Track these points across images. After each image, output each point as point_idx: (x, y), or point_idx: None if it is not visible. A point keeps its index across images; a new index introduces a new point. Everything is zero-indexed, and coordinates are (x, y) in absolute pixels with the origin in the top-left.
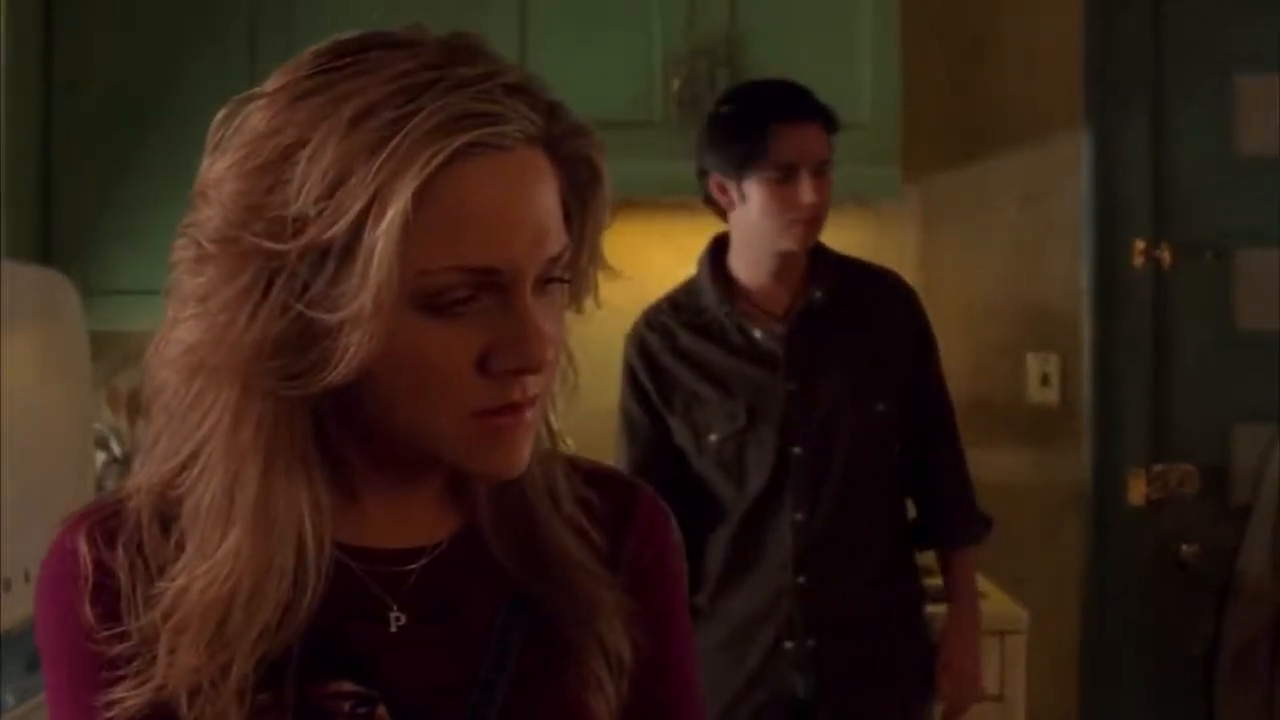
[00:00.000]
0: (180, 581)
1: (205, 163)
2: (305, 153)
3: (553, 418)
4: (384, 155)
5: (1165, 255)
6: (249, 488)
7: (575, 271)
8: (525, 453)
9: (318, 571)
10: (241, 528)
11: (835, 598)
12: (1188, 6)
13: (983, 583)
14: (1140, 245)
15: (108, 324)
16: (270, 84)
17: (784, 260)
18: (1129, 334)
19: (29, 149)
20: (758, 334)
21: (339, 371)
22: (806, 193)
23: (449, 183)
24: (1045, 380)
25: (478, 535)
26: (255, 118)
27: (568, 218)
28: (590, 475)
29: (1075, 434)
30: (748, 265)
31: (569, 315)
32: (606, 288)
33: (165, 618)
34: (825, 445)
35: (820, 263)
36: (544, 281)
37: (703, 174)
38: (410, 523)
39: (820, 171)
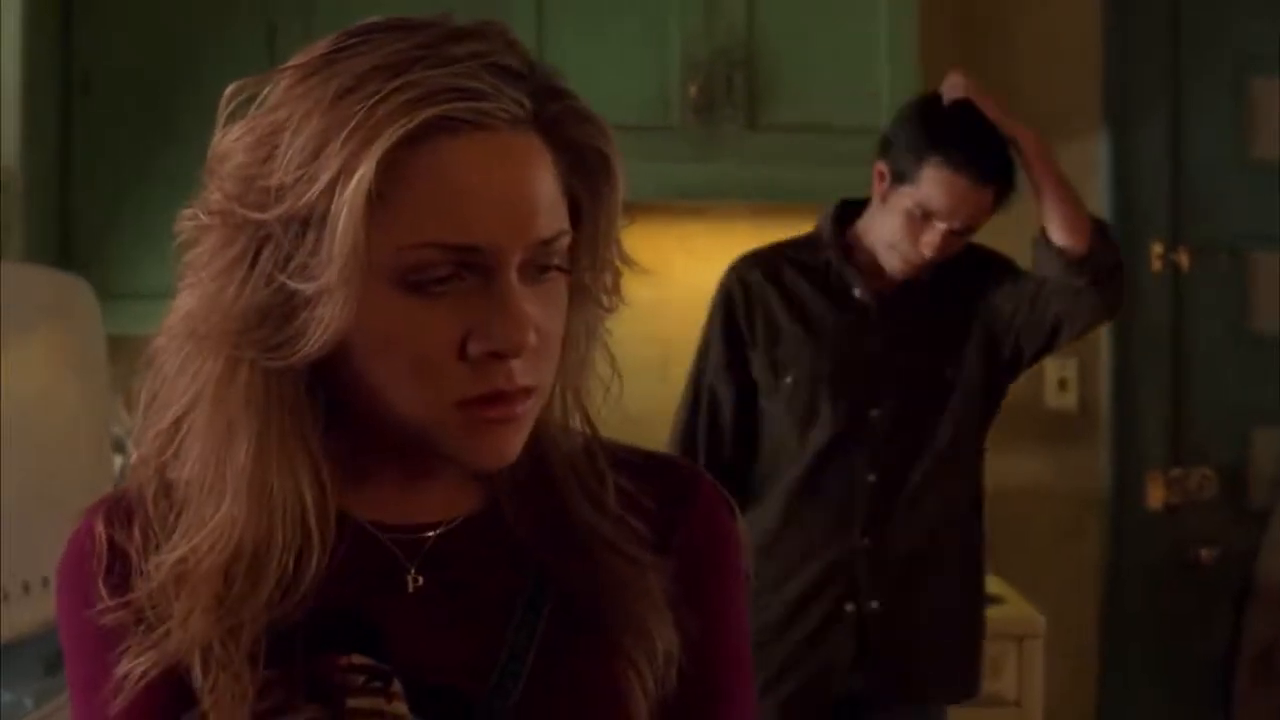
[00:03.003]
0: (181, 550)
1: (215, 138)
2: (291, 125)
3: (588, 408)
4: (353, 125)
5: (1182, 258)
6: (237, 456)
7: (591, 263)
8: (514, 445)
9: (323, 542)
10: (234, 497)
11: (900, 558)
12: (1205, 11)
13: (1001, 586)
14: (1158, 249)
15: (125, 327)
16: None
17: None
18: (1146, 338)
19: (47, 153)
20: (857, 291)
21: (313, 343)
22: (929, 244)
23: (428, 158)
24: (1063, 385)
25: (500, 512)
26: (265, 97)
27: (577, 208)
28: (641, 467)
29: (1093, 438)
30: (870, 242)
31: (608, 317)
32: (626, 289)
33: (173, 584)
34: (904, 411)
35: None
36: (539, 268)
37: (885, 144)
38: (430, 503)
39: (961, 232)
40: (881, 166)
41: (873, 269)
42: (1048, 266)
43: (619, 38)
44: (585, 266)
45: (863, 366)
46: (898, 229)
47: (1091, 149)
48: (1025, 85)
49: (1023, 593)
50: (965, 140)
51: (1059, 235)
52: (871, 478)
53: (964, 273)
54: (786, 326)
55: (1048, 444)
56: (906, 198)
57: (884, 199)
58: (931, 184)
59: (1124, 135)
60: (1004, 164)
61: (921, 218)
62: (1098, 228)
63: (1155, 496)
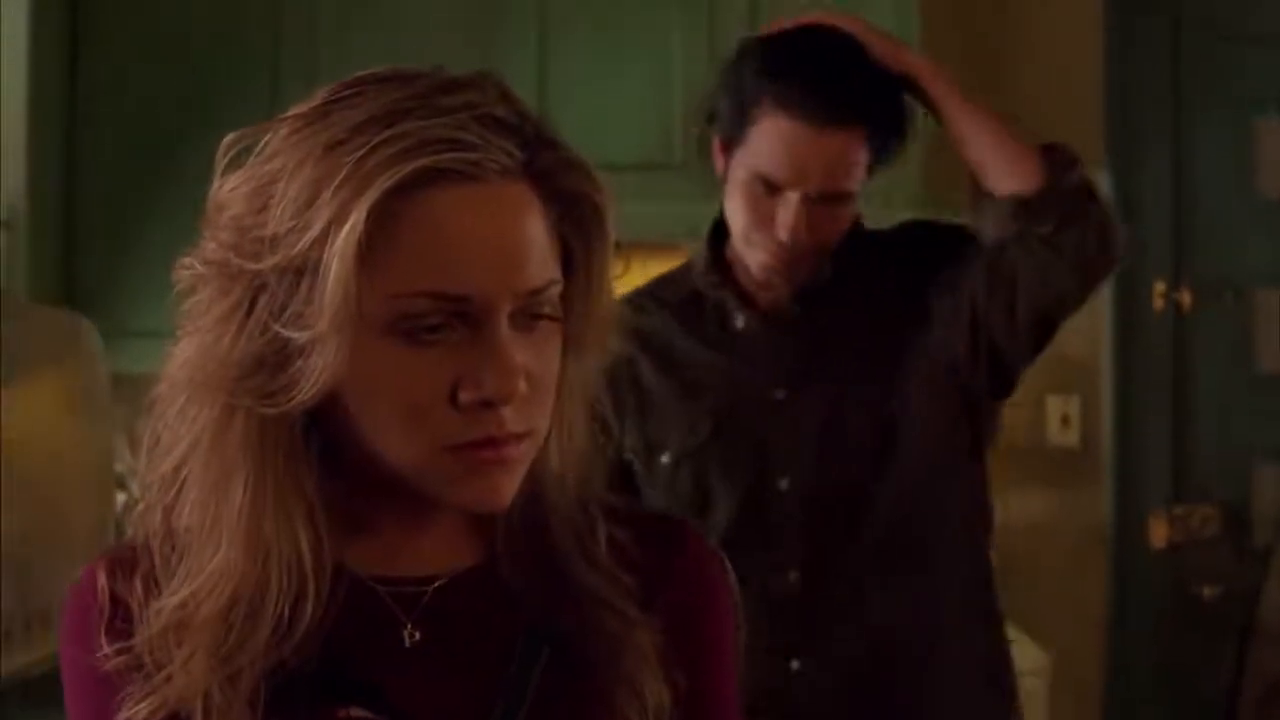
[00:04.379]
0: (180, 595)
1: (213, 188)
2: (285, 175)
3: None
4: (344, 175)
5: (1185, 297)
6: (233, 502)
7: (583, 311)
8: (507, 489)
9: (318, 589)
10: (230, 542)
11: (855, 684)
12: (1207, 48)
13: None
14: (1160, 287)
15: (129, 365)
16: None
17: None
18: (1149, 376)
19: (51, 191)
20: (740, 321)
21: (307, 391)
22: (785, 224)
23: (419, 208)
24: (1066, 422)
25: (496, 567)
26: (263, 146)
27: (570, 257)
28: (630, 518)
29: (1096, 476)
30: (736, 247)
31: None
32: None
33: (173, 630)
34: (826, 474)
35: (848, 236)
36: (531, 317)
37: (712, 110)
38: (426, 554)
39: (826, 199)
40: (717, 142)
41: (757, 288)
42: (997, 225)
43: (622, 78)
44: (578, 315)
45: (757, 420)
46: (743, 212)
47: None
48: (1028, 123)
49: (1026, 631)
50: (800, 71)
51: (998, 179)
52: (793, 575)
53: (889, 261)
54: (656, 387)
55: (1050, 482)
56: (740, 167)
57: (724, 179)
58: (761, 137)
59: (1126, 174)
60: (865, 97)
61: (765, 189)
62: (1046, 152)
63: (1158, 534)
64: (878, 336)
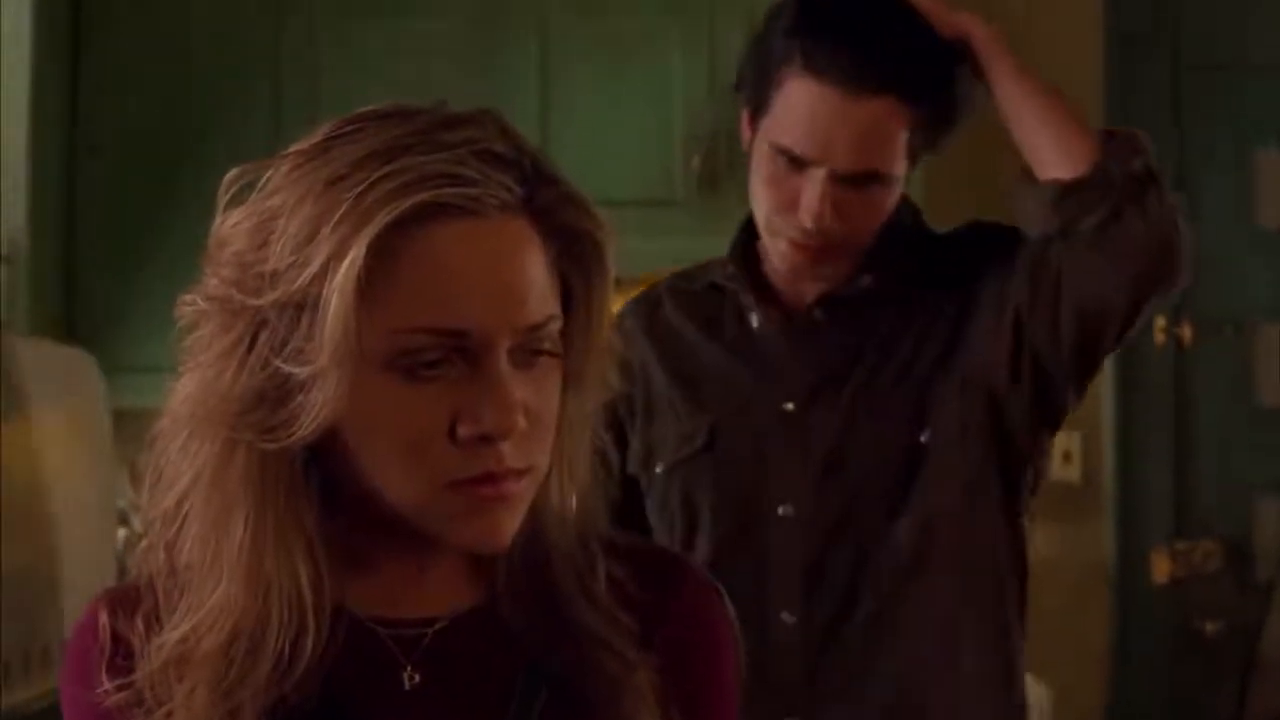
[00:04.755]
0: (181, 630)
1: (215, 224)
2: (286, 211)
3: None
4: (343, 211)
5: (1186, 331)
6: (234, 537)
7: (583, 347)
8: (507, 527)
9: (318, 625)
10: (231, 579)
11: None
12: (1208, 81)
13: None
14: (1160, 321)
15: (131, 400)
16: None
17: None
18: (1150, 411)
19: (53, 225)
20: (756, 320)
21: (307, 426)
22: (810, 206)
23: (418, 243)
24: (1067, 457)
25: (496, 607)
26: (265, 181)
27: (570, 293)
28: (629, 553)
29: (1097, 511)
30: (763, 235)
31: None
32: None
33: (174, 665)
34: (837, 505)
35: (889, 237)
36: (531, 353)
37: (741, 75)
38: (428, 594)
39: (856, 178)
40: (745, 112)
41: (784, 285)
42: (1037, 216)
43: (623, 113)
44: (577, 351)
45: (761, 434)
46: (765, 192)
47: None
48: None
49: (1028, 666)
50: (832, 27)
51: (1048, 162)
52: (788, 618)
53: (939, 267)
54: (662, 388)
55: (1051, 517)
56: (764, 140)
57: (749, 151)
58: (785, 103)
59: None
60: (905, 61)
61: (789, 166)
62: (1107, 136)
63: (1160, 569)
64: (912, 354)
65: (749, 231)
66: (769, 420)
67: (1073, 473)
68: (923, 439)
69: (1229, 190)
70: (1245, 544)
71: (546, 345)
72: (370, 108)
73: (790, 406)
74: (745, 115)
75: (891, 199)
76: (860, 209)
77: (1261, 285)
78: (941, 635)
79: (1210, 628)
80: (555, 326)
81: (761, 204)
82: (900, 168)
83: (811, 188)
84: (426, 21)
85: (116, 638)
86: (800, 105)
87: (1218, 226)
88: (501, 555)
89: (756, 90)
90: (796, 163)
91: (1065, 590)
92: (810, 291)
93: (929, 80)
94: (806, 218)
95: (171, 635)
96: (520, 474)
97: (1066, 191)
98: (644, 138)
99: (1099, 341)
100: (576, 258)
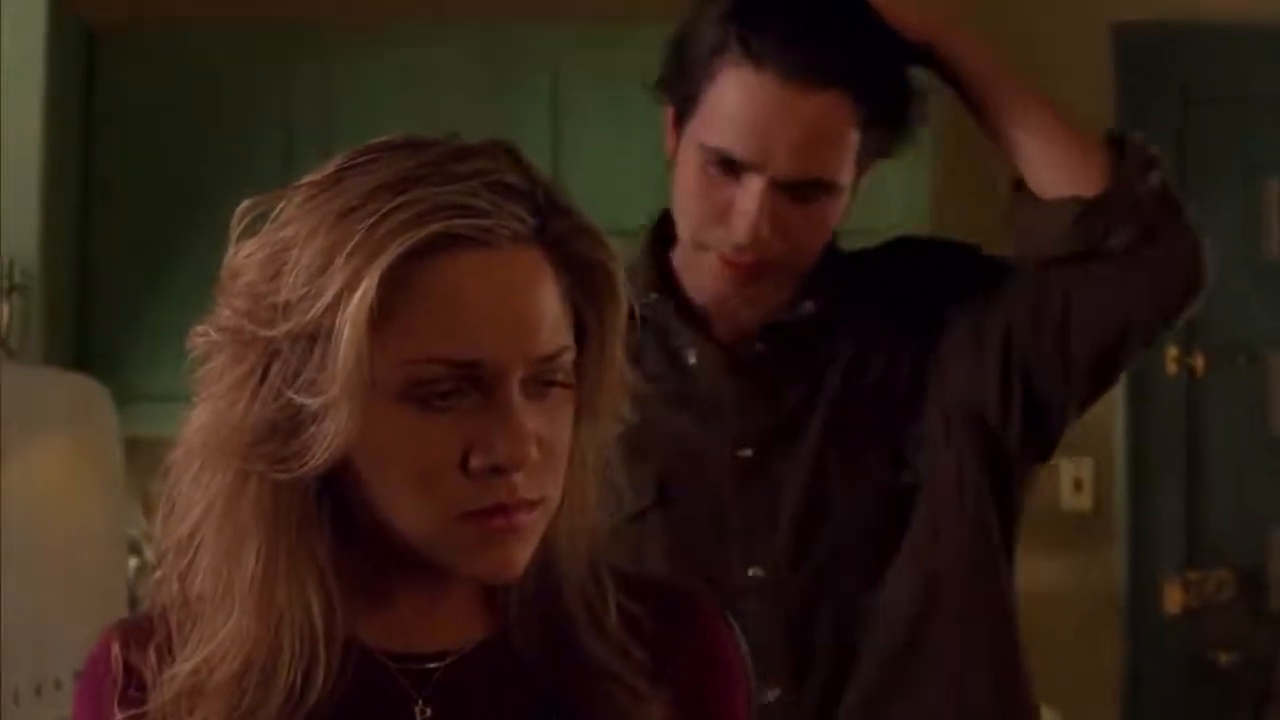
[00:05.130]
0: (194, 661)
1: (228, 255)
2: (299, 242)
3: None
4: (356, 242)
5: (1198, 361)
6: (246, 568)
7: (596, 378)
8: (519, 558)
9: (329, 657)
10: (243, 610)
11: None
12: (1214, 112)
13: None
14: (1173, 351)
15: (142, 429)
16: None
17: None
18: (1162, 439)
19: (66, 255)
20: (692, 359)
21: (319, 457)
22: (744, 215)
23: (430, 274)
24: (1079, 486)
25: (508, 639)
26: (279, 213)
27: (583, 324)
28: (640, 586)
29: (1109, 541)
30: (684, 256)
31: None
32: None
33: (186, 696)
34: (815, 561)
35: (826, 257)
36: (543, 384)
37: (664, 73)
38: (440, 626)
39: (798, 185)
40: (669, 111)
41: (714, 311)
42: (1051, 237)
43: (635, 144)
44: (590, 382)
45: (717, 486)
46: (694, 203)
47: None
48: None
49: (1040, 697)
50: (777, 12)
51: (1051, 177)
52: (772, 695)
53: (881, 288)
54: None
55: (1063, 546)
56: (692, 142)
57: (674, 156)
58: (720, 97)
59: None
60: (858, 53)
61: (722, 171)
62: (1114, 146)
63: (1172, 600)
64: (877, 389)
65: (659, 249)
66: (723, 470)
67: (1084, 501)
68: (908, 480)
69: (1237, 221)
70: (1259, 574)
71: (559, 376)
72: (383, 139)
73: (747, 453)
74: (668, 116)
75: (838, 212)
76: (803, 224)
77: (1270, 316)
78: (951, 696)
79: (1224, 658)
80: (568, 358)
81: (689, 216)
82: (848, 176)
83: (748, 196)
84: (438, 54)
85: (129, 669)
86: (736, 100)
87: (1227, 257)
88: (514, 587)
89: (683, 86)
90: (731, 167)
91: (1077, 619)
92: (744, 319)
93: (884, 74)
94: (741, 230)
95: (184, 667)
96: (532, 505)
97: (1090, 210)
98: (654, 168)
99: (1119, 362)
100: (589, 289)
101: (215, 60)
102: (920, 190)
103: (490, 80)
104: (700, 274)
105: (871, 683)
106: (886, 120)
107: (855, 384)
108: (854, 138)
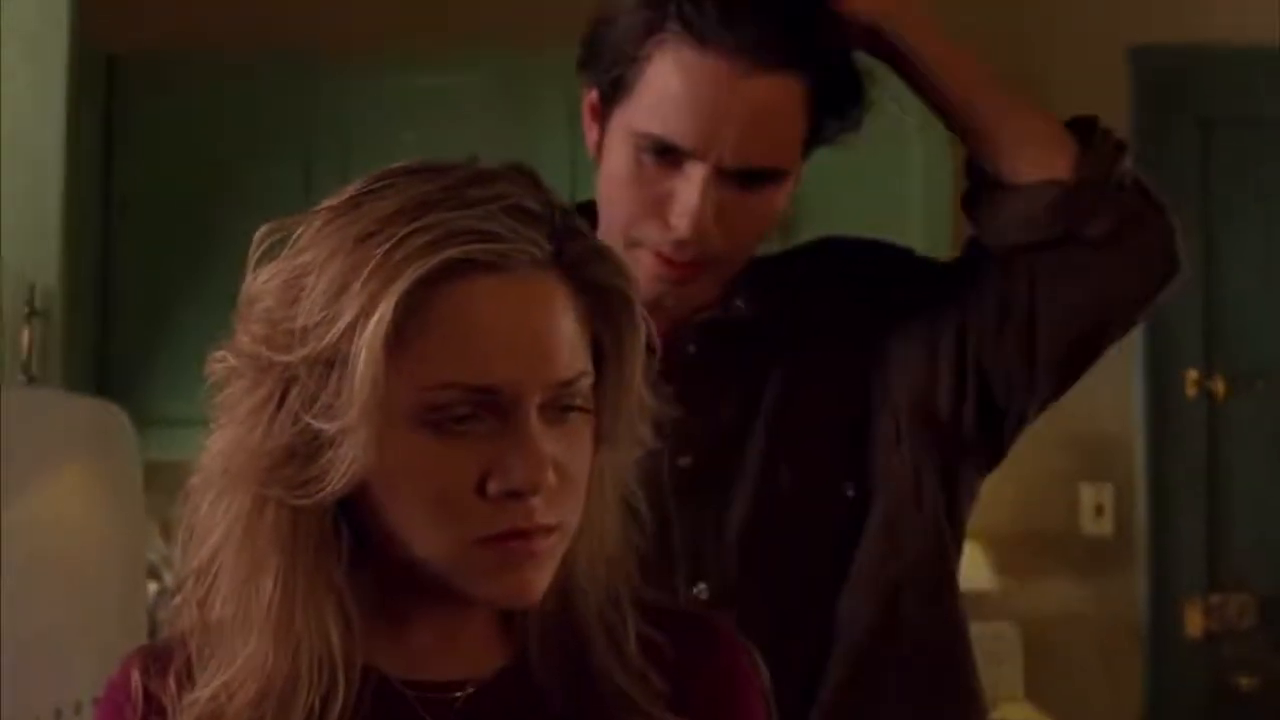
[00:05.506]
0: (213, 687)
1: (246, 280)
2: (316, 267)
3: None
4: (372, 266)
5: (1218, 385)
6: (264, 593)
7: (615, 404)
8: (536, 584)
9: (347, 690)
10: (261, 635)
11: None
12: (1232, 135)
13: (1038, 716)
14: (1193, 374)
15: (162, 453)
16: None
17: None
18: (1183, 464)
19: (86, 279)
20: None
21: (336, 482)
22: (685, 207)
23: (447, 299)
24: (1100, 511)
25: (527, 667)
26: (298, 237)
27: (601, 349)
28: (660, 612)
29: (1130, 565)
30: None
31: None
32: None
33: None
34: (758, 582)
35: (752, 257)
36: (561, 409)
37: (586, 60)
38: (459, 654)
39: (742, 176)
40: (590, 97)
41: (650, 307)
42: (1021, 224)
43: None
44: (609, 407)
45: (661, 498)
46: (626, 195)
47: None
48: None
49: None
50: None
51: (1017, 161)
52: None
53: (811, 289)
54: None
55: (1084, 571)
56: (623, 129)
57: (598, 154)
58: (658, 80)
59: None
60: (809, 29)
61: (658, 161)
62: (1081, 129)
63: (1194, 624)
64: (822, 393)
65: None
66: (662, 480)
67: (1105, 526)
68: (850, 493)
69: (1257, 244)
70: None
71: (578, 401)
72: (401, 164)
73: (686, 461)
74: (589, 103)
75: (782, 202)
76: (747, 216)
77: None
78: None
79: (1245, 683)
80: (586, 383)
81: (619, 209)
82: (795, 163)
83: (689, 186)
84: (456, 78)
85: (148, 696)
86: (677, 83)
87: (1246, 281)
88: (533, 614)
89: (610, 67)
90: (669, 156)
91: (1097, 644)
92: (670, 318)
93: (833, 54)
94: (683, 224)
95: (203, 693)
96: (549, 530)
97: (1069, 195)
98: None
99: (1092, 353)
100: (607, 313)
101: (235, 86)
102: (943, 204)
103: (508, 104)
104: (635, 271)
105: (829, 705)
106: (835, 105)
107: (798, 388)
108: (802, 123)
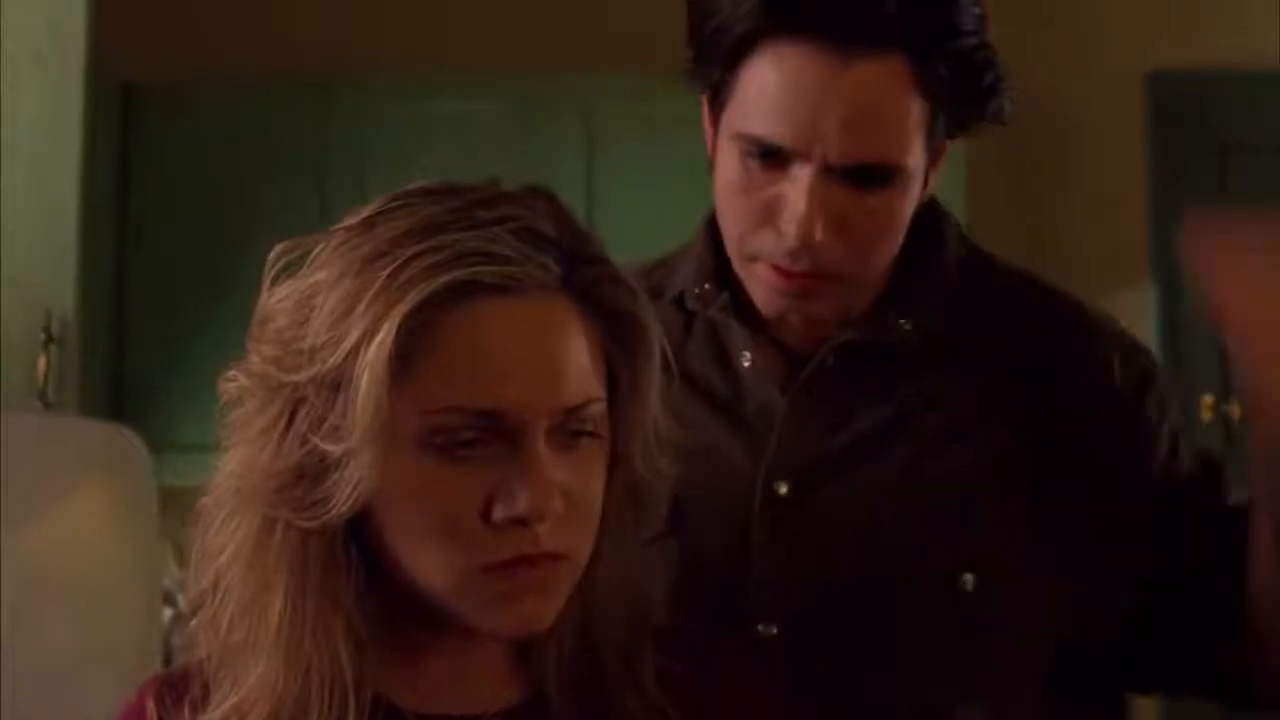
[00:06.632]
0: (223, 709)
1: (261, 299)
2: (326, 288)
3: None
4: (378, 288)
5: (1235, 410)
6: (273, 614)
7: (628, 429)
8: (543, 613)
9: (359, 713)
10: (270, 655)
11: None
12: (1250, 160)
13: None
14: (1209, 399)
15: (177, 478)
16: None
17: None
18: None
19: (102, 305)
20: (746, 361)
21: (342, 505)
22: (794, 212)
23: (453, 321)
24: None
25: (544, 703)
26: (315, 257)
27: (615, 374)
28: (679, 643)
29: None
30: (735, 265)
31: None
32: None
33: None
34: (833, 636)
35: (931, 269)
36: (571, 434)
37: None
38: (473, 687)
39: (852, 172)
40: (704, 101)
41: (777, 324)
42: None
43: (666, 193)
44: (623, 433)
45: (742, 523)
46: (736, 205)
47: (1140, 302)
48: (1074, 238)
49: None
50: None
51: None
52: None
53: (991, 316)
54: None
55: None
56: (728, 133)
57: (713, 154)
58: (757, 78)
59: (1172, 287)
60: (916, 10)
61: (763, 164)
62: None
63: None
64: (975, 456)
65: (717, 240)
66: (752, 504)
67: None
68: (976, 581)
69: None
70: None
71: (588, 427)
72: (419, 184)
73: (784, 489)
74: (705, 107)
75: (906, 205)
76: (865, 219)
77: None
78: None
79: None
80: (598, 408)
81: (732, 221)
82: (915, 159)
83: (796, 189)
84: (472, 103)
85: None
86: (774, 79)
87: None
88: (549, 647)
89: (712, 69)
90: (774, 158)
91: None
92: (817, 329)
93: (944, 31)
94: (791, 230)
95: (214, 715)
96: (556, 558)
97: None
98: (689, 216)
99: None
100: (620, 338)
101: (250, 112)
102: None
103: (524, 129)
104: (753, 292)
105: None
106: (956, 86)
107: (943, 443)
108: (917, 110)
